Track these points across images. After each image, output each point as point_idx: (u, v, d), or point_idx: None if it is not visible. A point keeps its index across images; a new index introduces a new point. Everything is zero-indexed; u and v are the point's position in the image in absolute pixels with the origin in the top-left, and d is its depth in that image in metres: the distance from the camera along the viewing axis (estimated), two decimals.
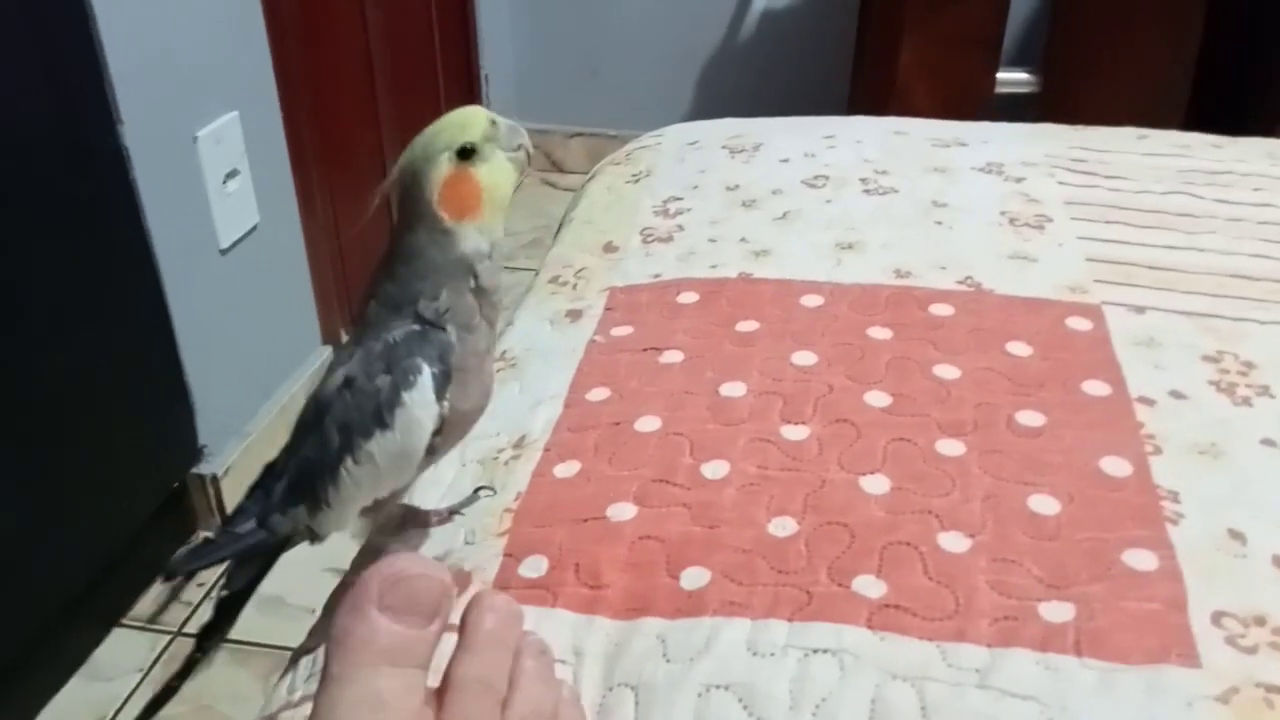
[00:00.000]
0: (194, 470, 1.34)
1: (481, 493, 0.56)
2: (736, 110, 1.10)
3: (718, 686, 0.46)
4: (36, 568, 1.10)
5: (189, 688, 1.18)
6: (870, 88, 1.88)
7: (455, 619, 0.39)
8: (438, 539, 0.55)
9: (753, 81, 2.20)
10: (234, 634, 1.21)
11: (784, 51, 2.17)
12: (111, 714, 1.16)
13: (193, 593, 1.30)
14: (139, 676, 1.20)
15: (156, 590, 1.30)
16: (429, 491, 0.58)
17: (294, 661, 0.52)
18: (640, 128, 1.07)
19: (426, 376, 0.45)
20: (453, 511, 0.56)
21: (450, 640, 0.38)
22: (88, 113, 1.11)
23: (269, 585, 0.54)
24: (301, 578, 0.51)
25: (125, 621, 1.27)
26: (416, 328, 0.45)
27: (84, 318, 1.14)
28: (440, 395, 0.45)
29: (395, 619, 0.35)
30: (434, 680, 0.38)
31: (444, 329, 0.46)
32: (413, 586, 0.35)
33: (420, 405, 0.45)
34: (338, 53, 1.64)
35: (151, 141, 1.19)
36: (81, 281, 1.13)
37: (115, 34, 1.12)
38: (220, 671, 1.20)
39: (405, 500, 0.55)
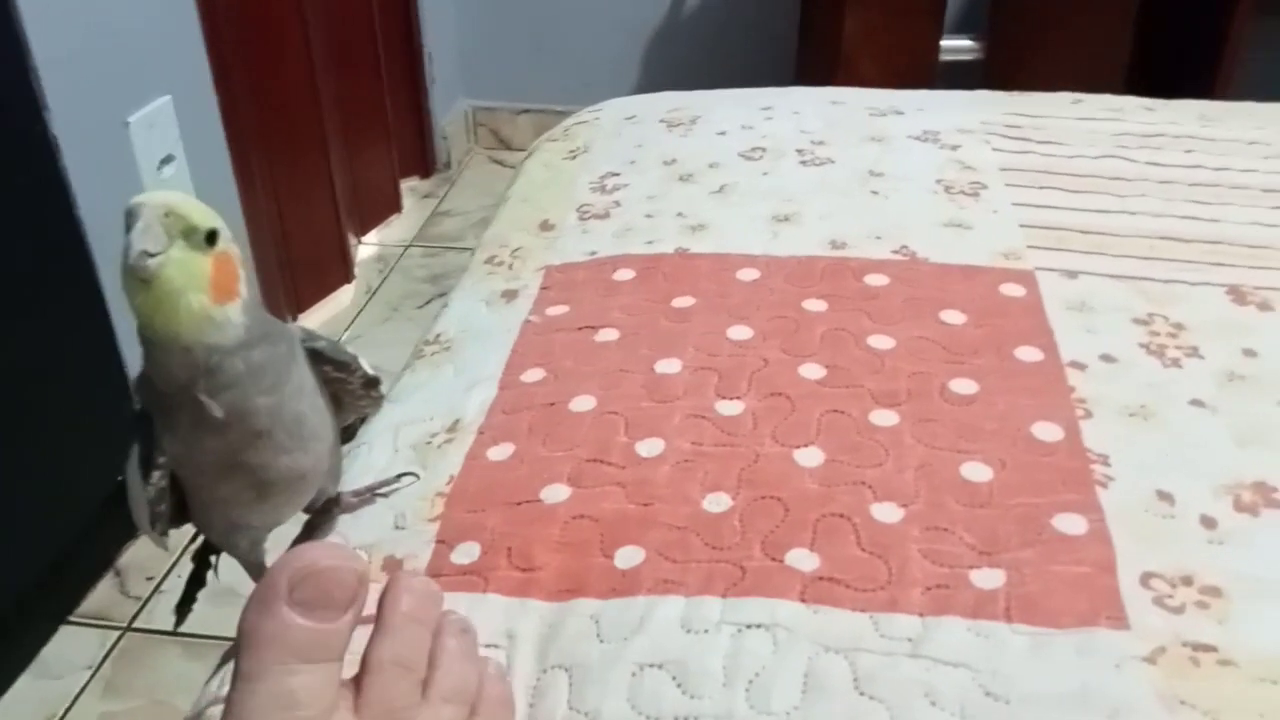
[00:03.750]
0: None
1: (404, 479, 0.56)
2: (684, 85, 1.08)
3: (651, 665, 0.45)
4: None
5: (141, 682, 1.17)
6: (816, 59, 1.88)
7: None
8: (367, 525, 0.54)
9: (700, 55, 2.19)
10: (187, 627, 1.21)
11: (731, 25, 2.16)
12: (62, 711, 1.14)
13: (142, 587, 1.28)
14: (89, 673, 1.18)
15: (105, 585, 1.29)
16: (362, 479, 0.57)
17: (225, 660, 0.51)
18: (588, 103, 1.06)
19: (135, 456, 0.46)
20: (373, 491, 0.55)
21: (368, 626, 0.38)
22: (12, 100, 1.08)
23: (221, 577, 0.53)
24: None
25: (74, 618, 1.25)
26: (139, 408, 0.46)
27: (18, 311, 1.11)
28: (145, 475, 0.46)
29: (306, 614, 0.34)
30: (353, 667, 0.37)
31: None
32: (323, 579, 0.34)
33: (133, 482, 0.46)
34: (274, 32, 1.61)
35: (81, 128, 1.16)
36: (14, 274, 1.10)
37: (39, 17, 1.08)
38: (173, 665, 1.19)
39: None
